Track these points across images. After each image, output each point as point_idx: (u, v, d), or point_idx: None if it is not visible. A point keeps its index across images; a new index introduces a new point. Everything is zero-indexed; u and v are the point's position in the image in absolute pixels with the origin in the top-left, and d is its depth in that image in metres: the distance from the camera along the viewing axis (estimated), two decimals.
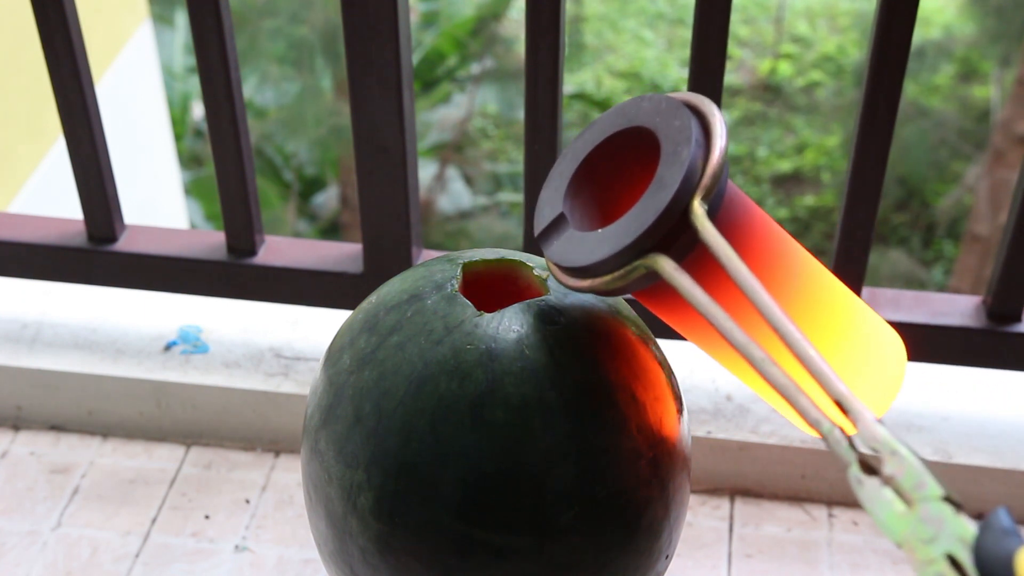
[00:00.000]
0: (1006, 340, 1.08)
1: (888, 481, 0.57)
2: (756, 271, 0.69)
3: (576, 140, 0.76)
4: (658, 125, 0.70)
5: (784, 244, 0.73)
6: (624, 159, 0.74)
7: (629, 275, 0.68)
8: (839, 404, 0.60)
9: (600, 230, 0.70)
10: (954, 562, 0.53)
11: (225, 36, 1.04)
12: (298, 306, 1.21)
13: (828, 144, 5.75)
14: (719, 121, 0.69)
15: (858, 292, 1.08)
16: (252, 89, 4.96)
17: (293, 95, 4.99)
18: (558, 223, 0.73)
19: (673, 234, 0.67)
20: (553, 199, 0.74)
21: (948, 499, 0.55)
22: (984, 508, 1.09)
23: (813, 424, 0.60)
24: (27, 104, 2.59)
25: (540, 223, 0.74)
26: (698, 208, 0.66)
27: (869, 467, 0.58)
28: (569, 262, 0.70)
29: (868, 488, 0.57)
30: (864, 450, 0.58)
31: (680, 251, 0.67)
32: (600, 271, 0.69)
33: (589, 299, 0.76)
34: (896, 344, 0.77)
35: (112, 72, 3.11)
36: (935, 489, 0.55)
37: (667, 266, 0.66)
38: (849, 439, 0.59)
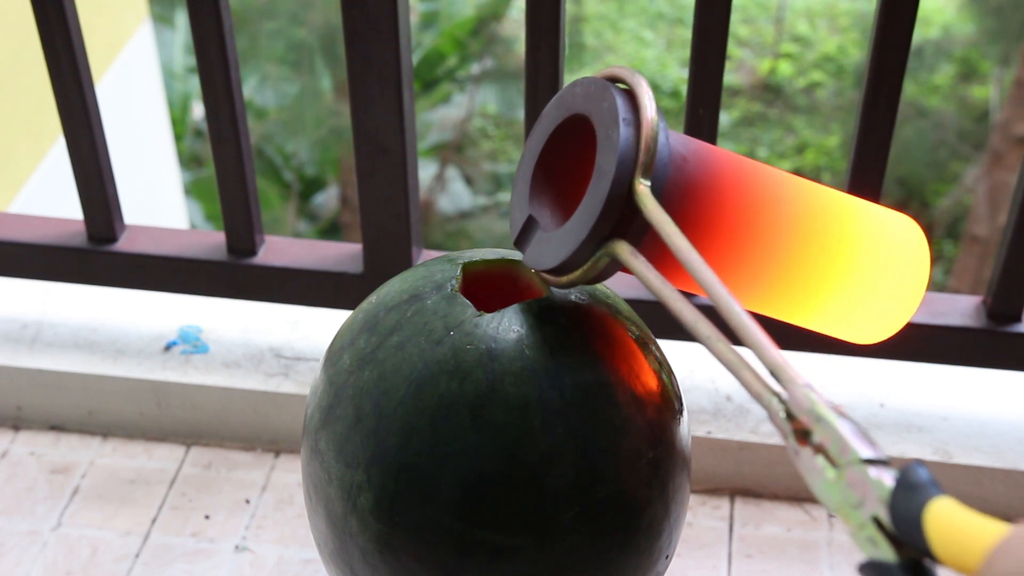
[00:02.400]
0: (1006, 340, 1.08)
1: (819, 450, 0.57)
2: (728, 225, 0.70)
3: (529, 139, 0.76)
4: (591, 110, 0.70)
5: (761, 184, 0.72)
6: (576, 147, 0.74)
7: (597, 265, 0.69)
8: (774, 373, 0.60)
9: (560, 228, 0.70)
10: (881, 524, 0.53)
11: (225, 36, 1.04)
12: (298, 306, 1.21)
13: (828, 144, 5.75)
14: (645, 92, 0.68)
15: None
16: (252, 90, 4.96)
17: (293, 96, 4.99)
18: (528, 227, 0.74)
19: (625, 219, 0.67)
20: (520, 203, 0.75)
21: (871, 461, 0.55)
22: (985, 508, 1.09)
23: (755, 397, 0.61)
24: (27, 104, 2.59)
25: (513, 230, 0.75)
26: (640, 187, 0.66)
27: (804, 437, 0.58)
28: (541, 265, 0.71)
29: (804, 459, 0.57)
30: (801, 419, 0.58)
31: (637, 233, 0.68)
32: (569, 268, 0.70)
33: (589, 299, 0.77)
34: (911, 230, 0.76)
35: (112, 72, 3.11)
36: (856, 453, 0.55)
37: (624, 251, 0.67)
38: (787, 410, 0.59)
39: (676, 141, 0.70)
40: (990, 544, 0.48)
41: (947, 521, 0.50)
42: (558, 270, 0.70)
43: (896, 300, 0.76)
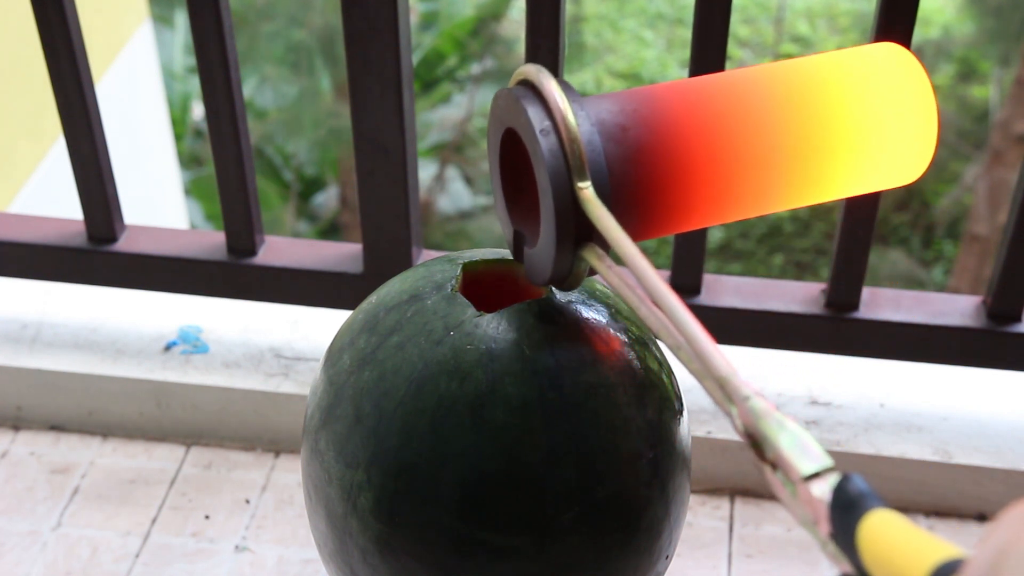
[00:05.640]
0: (1006, 340, 1.08)
1: (775, 466, 0.54)
2: (706, 157, 0.67)
3: (489, 155, 0.75)
4: (515, 124, 0.68)
5: (723, 99, 0.69)
6: (528, 157, 0.71)
7: (583, 270, 0.69)
8: (721, 386, 0.58)
9: (535, 247, 0.70)
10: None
11: (225, 36, 1.04)
12: (298, 306, 1.21)
13: None
14: (554, 92, 0.65)
15: (858, 293, 1.08)
16: (251, 90, 4.96)
17: (292, 96, 5.00)
18: (519, 242, 0.73)
19: (583, 225, 0.65)
20: (504, 219, 0.75)
21: (817, 474, 0.52)
22: (985, 508, 1.09)
23: (719, 406, 0.59)
24: (27, 104, 2.58)
25: (510, 248, 0.75)
26: (583, 192, 0.64)
27: (760, 452, 0.55)
28: (536, 281, 0.72)
29: (767, 474, 0.55)
30: (752, 434, 0.55)
31: (602, 237, 0.66)
32: (558, 280, 0.70)
33: (589, 299, 0.77)
34: (895, 53, 0.72)
35: (112, 72, 3.10)
36: (800, 470, 0.52)
37: (593, 257, 0.67)
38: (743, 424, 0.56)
39: (609, 113, 0.66)
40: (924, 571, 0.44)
41: (878, 540, 0.47)
42: (551, 282, 0.70)
43: (915, 126, 0.72)
